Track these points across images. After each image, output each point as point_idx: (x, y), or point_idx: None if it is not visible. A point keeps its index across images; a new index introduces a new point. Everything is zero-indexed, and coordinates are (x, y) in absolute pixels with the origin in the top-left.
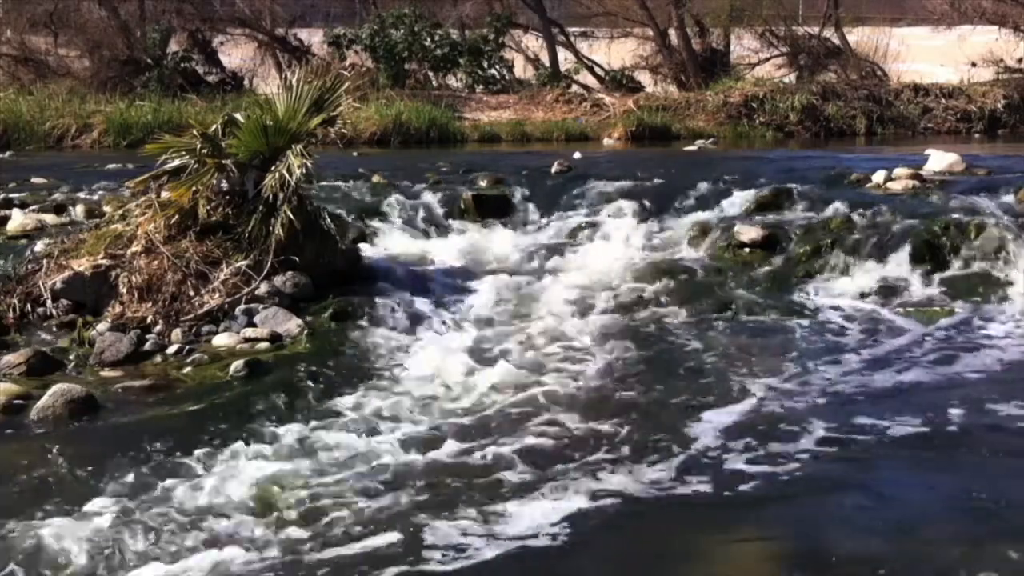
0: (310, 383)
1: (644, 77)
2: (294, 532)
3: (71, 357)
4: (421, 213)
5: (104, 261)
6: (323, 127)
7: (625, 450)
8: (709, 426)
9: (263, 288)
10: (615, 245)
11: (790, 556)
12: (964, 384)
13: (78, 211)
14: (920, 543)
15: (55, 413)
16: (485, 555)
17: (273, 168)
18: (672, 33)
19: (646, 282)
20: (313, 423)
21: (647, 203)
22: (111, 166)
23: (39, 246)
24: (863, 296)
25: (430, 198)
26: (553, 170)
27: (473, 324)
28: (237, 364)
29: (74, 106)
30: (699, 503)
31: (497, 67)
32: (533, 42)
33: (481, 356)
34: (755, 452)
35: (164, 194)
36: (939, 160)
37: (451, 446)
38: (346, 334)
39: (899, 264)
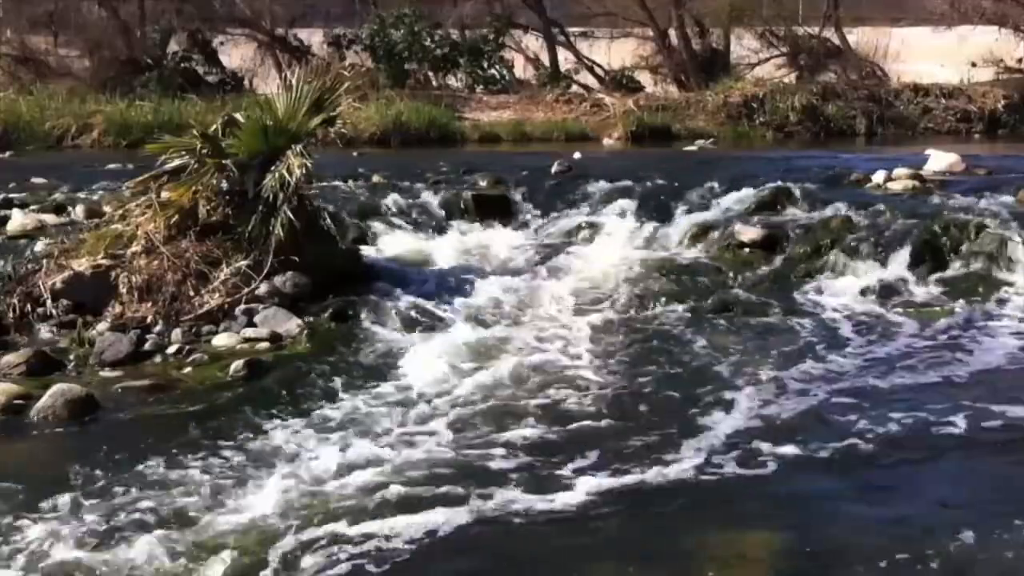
0: (310, 383)
1: (644, 77)
2: (295, 531)
3: (71, 357)
4: (421, 213)
5: (104, 261)
6: (323, 127)
7: (624, 448)
8: (709, 425)
9: (263, 288)
10: (615, 245)
11: (789, 553)
12: (964, 383)
13: (78, 211)
14: (919, 541)
15: (55, 413)
16: (484, 550)
17: (273, 168)
18: (672, 33)
19: (646, 282)
20: (313, 423)
21: (647, 203)
22: (111, 166)
23: (39, 246)
24: (863, 296)
25: (430, 198)
26: (553, 170)
27: (473, 324)
28: (237, 364)
29: (74, 106)
30: (699, 500)
31: (497, 67)
32: (533, 42)
33: (481, 356)
34: (755, 450)
35: (164, 194)
36: (939, 160)
37: (450, 444)
38: (346, 334)
39: (899, 264)
